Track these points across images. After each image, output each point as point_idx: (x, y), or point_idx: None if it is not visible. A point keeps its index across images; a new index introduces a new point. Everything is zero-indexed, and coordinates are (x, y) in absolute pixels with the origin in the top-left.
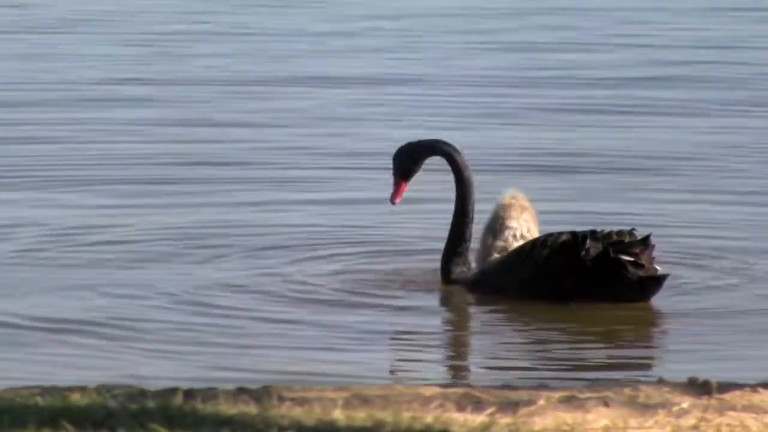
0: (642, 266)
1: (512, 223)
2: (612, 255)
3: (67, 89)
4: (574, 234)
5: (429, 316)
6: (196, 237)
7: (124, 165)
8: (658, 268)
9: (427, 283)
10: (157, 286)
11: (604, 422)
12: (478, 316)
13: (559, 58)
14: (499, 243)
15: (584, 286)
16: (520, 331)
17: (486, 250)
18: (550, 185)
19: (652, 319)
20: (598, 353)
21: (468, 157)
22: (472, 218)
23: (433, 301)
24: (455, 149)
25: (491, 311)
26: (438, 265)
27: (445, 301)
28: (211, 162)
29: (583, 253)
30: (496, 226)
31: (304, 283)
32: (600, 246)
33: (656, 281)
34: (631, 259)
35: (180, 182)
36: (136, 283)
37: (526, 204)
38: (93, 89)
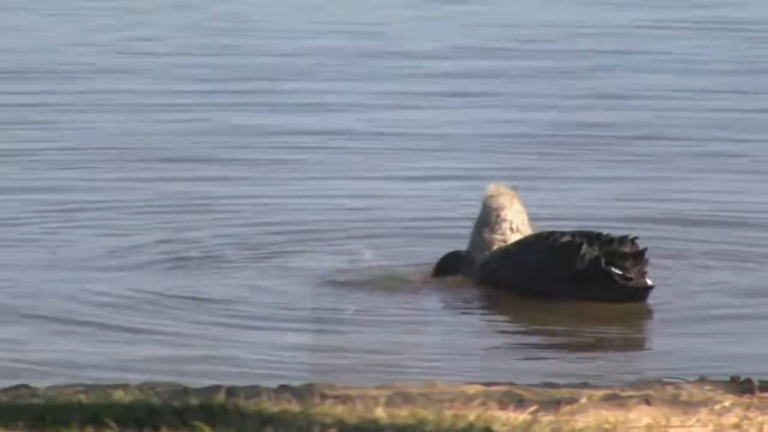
0: (630, 279)
1: (507, 215)
2: (603, 266)
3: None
4: (573, 237)
5: (444, 310)
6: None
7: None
8: (647, 281)
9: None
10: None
11: (646, 420)
12: (507, 311)
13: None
14: (497, 236)
15: (575, 289)
16: (547, 328)
17: (484, 244)
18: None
19: (691, 315)
20: (636, 351)
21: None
22: None
23: (443, 296)
24: None
25: (509, 307)
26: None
27: (459, 296)
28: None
29: (577, 260)
30: (492, 219)
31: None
32: (595, 253)
33: (642, 292)
34: (620, 272)
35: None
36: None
37: (513, 194)
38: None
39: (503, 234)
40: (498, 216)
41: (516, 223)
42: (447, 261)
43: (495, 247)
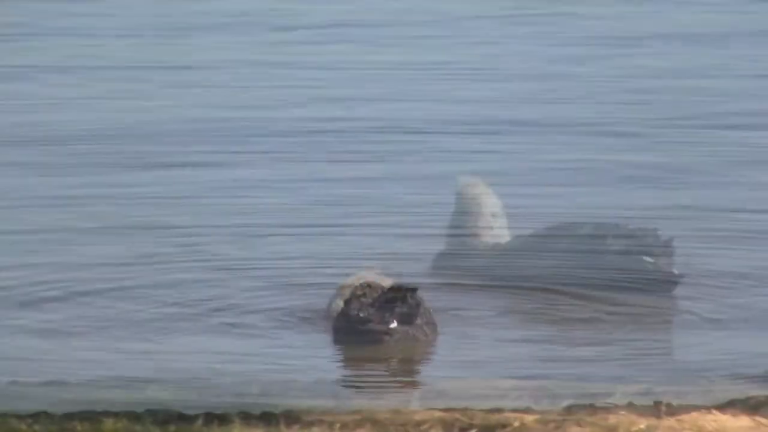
0: (658, 267)
1: (488, 204)
2: (633, 254)
3: None
4: (596, 227)
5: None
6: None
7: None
8: (675, 271)
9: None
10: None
11: (680, 415)
12: (531, 310)
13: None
14: (481, 225)
15: (601, 281)
16: (576, 325)
17: (471, 232)
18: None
19: (723, 312)
20: (668, 347)
21: None
22: None
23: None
24: None
25: (534, 306)
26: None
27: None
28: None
29: (602, 247)
30: (472, 209)
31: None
32: (622, 242)
33: (672, 280)
34: (651, 260)
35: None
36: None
37: (485, 184)
38: None
39: (486, 222)
40: (480, 204)
41: (496, 211)
42: (441, 261)
43: (482, 237)
